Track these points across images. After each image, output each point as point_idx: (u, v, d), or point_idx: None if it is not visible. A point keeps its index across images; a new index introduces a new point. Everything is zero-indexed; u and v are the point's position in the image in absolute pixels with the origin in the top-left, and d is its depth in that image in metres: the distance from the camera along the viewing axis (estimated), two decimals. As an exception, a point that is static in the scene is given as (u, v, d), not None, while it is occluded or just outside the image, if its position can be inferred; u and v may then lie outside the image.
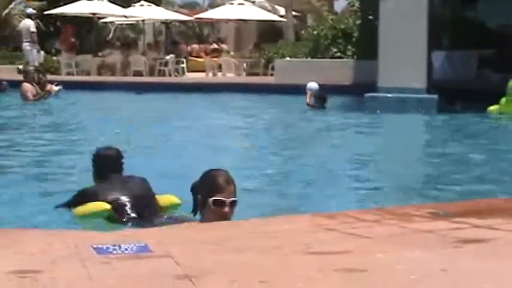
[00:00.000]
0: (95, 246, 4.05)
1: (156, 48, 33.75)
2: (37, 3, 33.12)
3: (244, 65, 29.09)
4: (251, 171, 9.66)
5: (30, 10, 27.57)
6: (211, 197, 5.40)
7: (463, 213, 5.04)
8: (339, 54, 24.26)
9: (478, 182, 8.80)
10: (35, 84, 19.37)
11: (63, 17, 31.81)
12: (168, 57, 29.87)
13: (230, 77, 28.20)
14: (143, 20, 34.73)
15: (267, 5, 35.85)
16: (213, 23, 42.68)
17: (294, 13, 33.43)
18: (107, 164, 6.90)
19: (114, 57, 30.35)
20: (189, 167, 9.58)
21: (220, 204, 5.42)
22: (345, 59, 23.77)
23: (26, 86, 19.23)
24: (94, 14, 31.25)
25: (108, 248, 4.03)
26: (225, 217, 5.38)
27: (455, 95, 16.97)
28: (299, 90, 19.16)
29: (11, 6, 33.32)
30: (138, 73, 28.29)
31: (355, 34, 24.40)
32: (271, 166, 10.33)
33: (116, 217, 6.60)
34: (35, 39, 26.18)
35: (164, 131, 13.87)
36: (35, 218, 6.73)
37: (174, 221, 6.38)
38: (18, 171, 9.52)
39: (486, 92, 16.41)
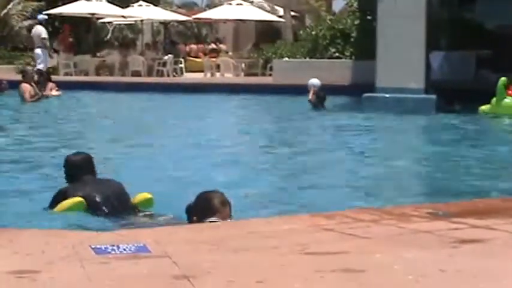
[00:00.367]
0: (93, 246, 4.05)
1: (154, 49, 33.74)
2: (36, 4, 33.13)
3: (243, 65, 29.07)
4: (250, 171, 9.66)
5: (41, 16, 27.69)
6: (207, 218, 5.41)
7: (461, 214, 5.04)
8: (337, 54, 24.25)
9: (476, 182, 8.80)
10: (33, 85, 19.30)
11: (62, 17, 31.80)
12: (166, 57, 29.87)
13: (228, 77, 28.19)
14: (141, 20, 34.73)
15: (265, 5, 35.86)
16: (211, 23, 42.68)
17: (292, 13, 33.42)
18: (77, 169, 7.12)
19: (113, 57, 30.34)
20: (186, 167, 9.62)
21: None
22: (343, 60, 23.76)
23: (25, 86, 19.16)
24: (92, 14, 31.23)
25: (106, 248, 4.03)
26: None
27: (453, 96, 16.98)
28: (297, 90, 19.16)
29: (9, 6, 33.30)
30: (136, 73, 28.28)
31: (354, 34, 24.39)
32: (269, 166, 10.33)
33: (90, 212, 6.78)
34: (47, 45, 26.39)
35: (163, 131, 13.87)
36: (32, 217, 6.74)
37: (149, 217, 6.63)
38: (13, 171, 9.52)
39: (484, 92, 16.42)
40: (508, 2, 20.99)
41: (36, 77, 20.02)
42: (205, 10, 40.90)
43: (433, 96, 16.99)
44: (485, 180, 8.91)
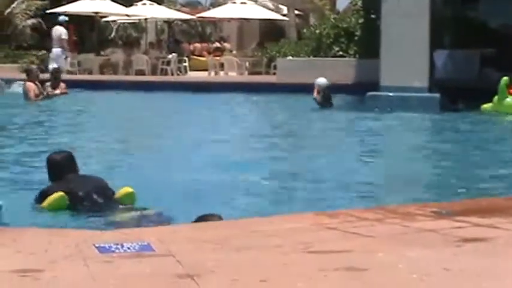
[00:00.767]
0: (97, 245, 4.05)
1: (158, 47, 33.76)
2: (39, 2, 33.15)
3: (247, 64, 29.07)
4: (253, 169, 9.66)
5: (62, 17, 27.91)
6: None
7: (465, 212, 5.04)
8: (341, 53, 24.25)
9: (479, 181, 8.79)
10: (38, 84, 19.14)
11: (66, 16, 31.81)
12: (170, 56, 29.88)
13: (232, 76, 28.19)
14: (145, 19, 34.73)
15: (269, 4, 35.86)
16: (215, 22, 42.68)
17: (296, 12, 33.42)
18: (60, 168, 7.23)
19: (117, 56, 30.35)
20: (187, 166, 9.62)
21: None
22: (347, 58, 23.76)
23: (29, 85, 18.95)
24: (96, 12, 31.26)
25: (110, 246, 4.03)
26: None
27: (457, 94, 16.97)
28: (301, 89, 19.14)
29: (13, 5, 33.33)
30: (140, 72, 28.29)
31: (358, 33, 24.38)
32: (272, 164, 10.33)
33: (72, 206, 6.91)
34: (66, 46, 26.59)
35: (166, 130, 13.87)
36: (33, 216, 6.77)
37: (130, 210, 6.76)
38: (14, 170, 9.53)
39: (488, 91, 16.42)
40: (511, 1, 20.97)
41: (48, 76, 19.93)
42: (209, 9, 40.90)
43: (437, 95, 16.99)
44: (488, 179, 8.91)
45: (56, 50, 26.57)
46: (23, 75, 20.81)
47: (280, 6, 35.24)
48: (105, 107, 19.02)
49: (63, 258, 3.82)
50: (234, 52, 33.41)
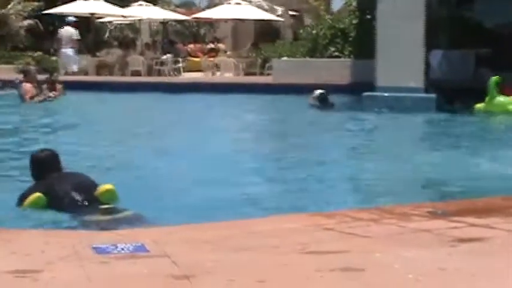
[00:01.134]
0: (92, 246, 4.06)
1: (153, 48, 33.72)
2: (35, 3, 33.13)
3: (242, 64, 29.07)
4: (250, 170, 9.66)
5: (70, 18, 28.06)
6: None
7: (461, 212, 5.05)
8: (336, 53, 24.25)
9: (475, 181, 8.79)
10: (35, 85, 18.96)
11: (62, 17, 31.79)
12: (165, 57, 29.87)
13: (227, 76, 28.18)
14: (140, 20, 34.72)
15: (264, 4, 35.84)
16: (210, 23, 42.66)
17: (291, 12, 33.43)
18: (42, 166, 7.23)
19: (112, 57, 30.33)
20: (183, 167, 9.62)
21: None
22: (342, 59, 23.75)
23: (26, 86, 18.78)
24: (92, 13, 31.24)
25: (106, 247, 4.03)
26: None
27: (453, 94, 16.98)
28: (297, 89, 19.13)
29: (8, 6, 33.30)
30: (136, 73, 28.28)
31: (353, 33, 24.39)
32: (268, 165, 10.33)
33: (51, 206, 6.86)
34: (78, 46, 26.81)
35: (163, 131, 13.87)
36: (28, 218, 6.76)
37: (107, 211, 6.68)
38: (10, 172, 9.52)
39: (483, 91, 16.43)
40: (506, 1, 21.00)
41: (49, 78, 19.86)
42: (204, 10, 40.87)
43: (433, 95, 17.00)
44: (484, 179, 8.91)
45: (66, 51, 26.76)
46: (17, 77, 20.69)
47: (275, 6, 35.21)
48: (100, 108, 18.98)
49: (60, 259, 3.83)
50: (229, 53, 33.39)
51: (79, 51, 27.76)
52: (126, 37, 39.93)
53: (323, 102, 17.49)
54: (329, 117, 16.44)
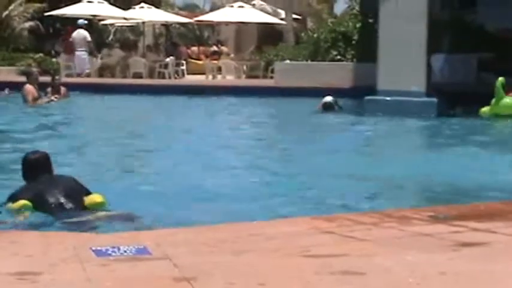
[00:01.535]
0: (94, 248, 4.06)
1: (156, 51, 33.73)
2: (37, 5, 33.14)
3: (244, 67, 29.07)
4: (250, 173, 9.66)
5: (81, 21, 28.16)
6: None
7: (462, 217, 5.05)
8: (338, 57, 24.25)
9: (476, 185, 8.79)
10: (36, 87, 18.88)
11: (63, 19, 31.81)
12: (167, 59, 29.87)
13: (230, 79, 28.18)
14: (143, 22, 34.72)
15: (267, 7, 35.84)
16: (213, 26, 42.69)
17: (294, 16, 33.41)
18: (34, 168, 7.22)
19: (114, 59, 30.33)
20: (185, 170, 9.63)
21: None
22: (344, 62, 23.75)
23: (28, 87, 18.68)
24: (94, 16, 31.26)
25: (107, 250, 4.03)
26: None
27: (455, 98, 16.98)
28: (299, 92, 19.13)
29: (10, 7, 33.31)
30: (137, 75, 28.27)
31: (355, 37, 24.39)
32: (269, 168, 10.32)
33: (38, 210, 6.84)
34: (92, 48, 26.97)
35: (164, 134, 13.86)
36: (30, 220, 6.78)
37: (96, 214, 6.68)
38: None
39: (486, 95, 16.42)
40: (509, 5, 20.99)
41: (52, 80, 19.84)
42: (207, 12, 40.89)
43: (435, 99, 16.98)
44: (486, 183, 8.90)
45: (80, 53, 26.91)
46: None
47: (278, 10, 35.20)
48: (103, 111, 18.99)
49: (61, 261, 3.83)
50: (232, 56, 33.40)
51: (91, 53, 27.84)
52: (128, 39, 39.95)
53: (328, 111, 17.47)
54: (330, 120, 16.44)
